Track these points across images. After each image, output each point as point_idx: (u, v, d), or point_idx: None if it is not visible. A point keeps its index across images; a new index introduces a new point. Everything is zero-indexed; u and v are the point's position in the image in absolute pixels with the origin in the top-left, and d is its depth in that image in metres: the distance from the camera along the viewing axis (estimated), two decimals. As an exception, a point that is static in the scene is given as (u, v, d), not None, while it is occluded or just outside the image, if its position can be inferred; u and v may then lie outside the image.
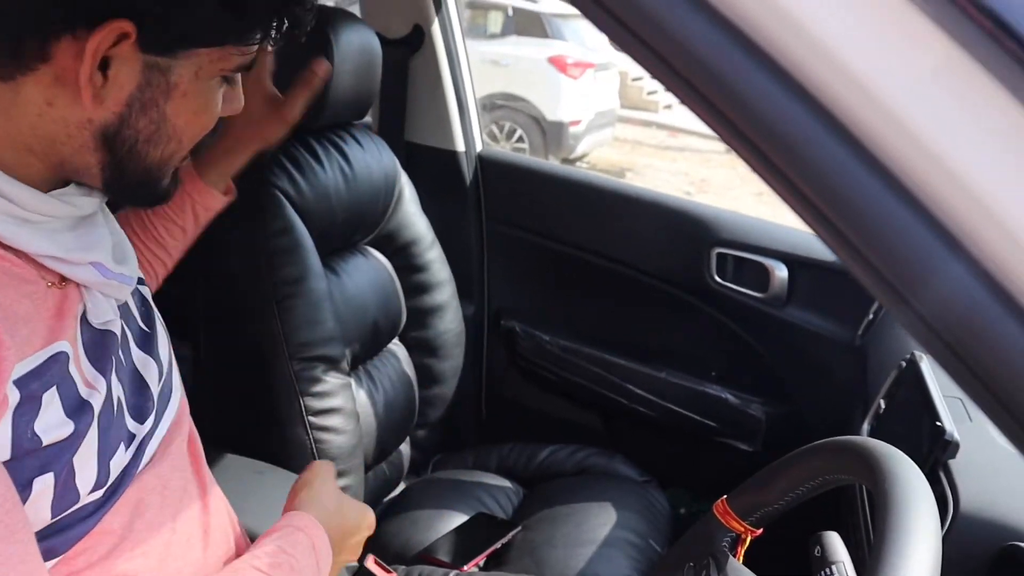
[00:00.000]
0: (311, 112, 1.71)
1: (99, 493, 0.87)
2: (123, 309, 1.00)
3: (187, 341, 1.71)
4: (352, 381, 1.80)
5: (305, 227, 1.67)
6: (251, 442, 1.60)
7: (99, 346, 0.90)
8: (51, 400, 0.81)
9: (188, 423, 1.12)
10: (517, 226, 2.30)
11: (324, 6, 1.78)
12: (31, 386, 0.79)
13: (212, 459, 1.41)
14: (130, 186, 0.90)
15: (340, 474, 1.67)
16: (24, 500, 0.78)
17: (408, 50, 2.21)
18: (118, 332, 0.95)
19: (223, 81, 0.91)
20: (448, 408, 2.14)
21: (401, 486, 2.09)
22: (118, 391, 0.93)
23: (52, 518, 0.82)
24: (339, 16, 1.77)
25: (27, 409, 0.78)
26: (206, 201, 1.36)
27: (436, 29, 2.19)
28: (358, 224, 1.89)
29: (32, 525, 0.79)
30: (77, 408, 0.84)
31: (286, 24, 0.91)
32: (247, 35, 0.87)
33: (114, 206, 1.11)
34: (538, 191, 2.28)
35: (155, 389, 1.00)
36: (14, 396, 0.77)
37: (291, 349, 1.62)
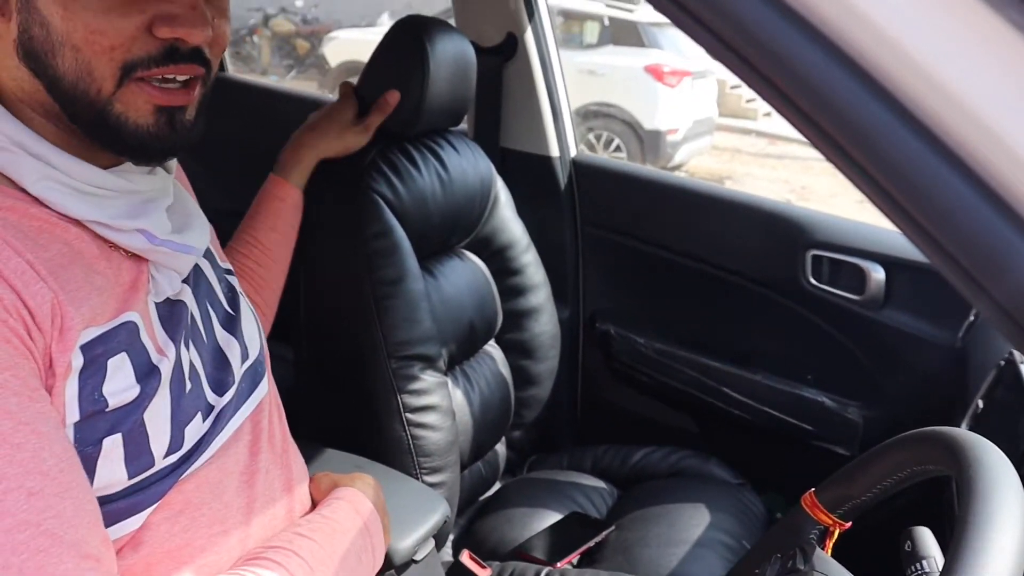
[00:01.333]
0: (408, 119, 1.77)
1: (174, 457, 0.90)
2: (206, 290, 1.05)
3: (288, 343, 1.77)
4: (449, 380, 1.83)
5: (403, 230, 1.71)
6: (350, 438, 1.64)
7: (171, 317, 0.94)
8: (120, 365, 0.84)
9: (277, 412, 1.15)
10: (611, 229, 2.31)
11: (419, 16, 1.83)
12: (96, 351, 0.82)
13: (312, 454, 1.46)
14: (87, 119, 0.86)
15: (436, 470, 1.71)
16: (96, 458, 0.82)
17: (502, 58, 2.25)
18: (190, 304, 0.99)
19: None
20: (544, 409, 2.16)
21: (497, 485, 2.12)
22: (195, 361, 0.97)
23: (129, 478, 0.85)
24: (434, 25, 1.81)
25: (93, 372, 0.82)
26: (281, 191, 1.53)
27: (529, 36, 2.23)
28: (454, 227, 1.92)
29: (111, 484, 0.84)
30: (147, 373, 0.87)
31: None
32: None
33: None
34: (632, 195, 2.29)
35: (237, 366, 1.04)
36: (78, 361, 0.81)
37: (389, 348, 1.67)
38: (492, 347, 2.06)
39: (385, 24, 9.75)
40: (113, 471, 0.84)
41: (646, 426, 2.34)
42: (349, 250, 1.66)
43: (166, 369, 0.90)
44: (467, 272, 1.97)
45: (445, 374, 1.81)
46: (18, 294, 0.77)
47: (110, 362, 0.84)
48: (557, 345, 2.17)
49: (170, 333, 0.93)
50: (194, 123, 0.92)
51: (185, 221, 0.99)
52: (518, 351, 2.10)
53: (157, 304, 0.93)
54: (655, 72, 8.54)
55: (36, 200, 0.85)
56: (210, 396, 0.98)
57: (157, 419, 0.88)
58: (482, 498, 2.07)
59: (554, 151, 2.32)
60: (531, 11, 2.21)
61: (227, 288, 1.11)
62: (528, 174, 2.32)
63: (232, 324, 1.07)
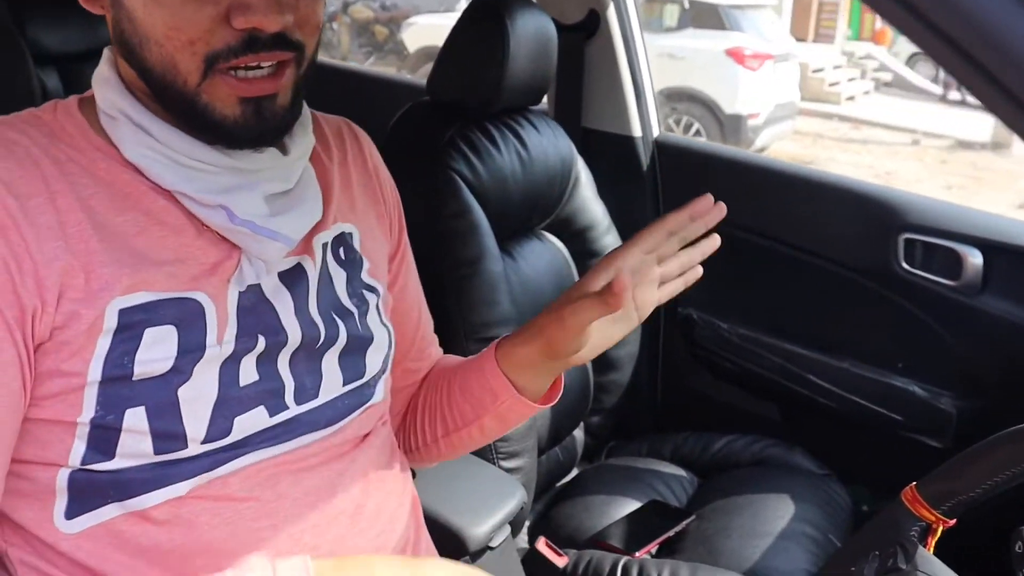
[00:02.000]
0: (487, 98, 1.73)
1: (215, 445, 0.88)
2: (337, 308, 1.00)
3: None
4: (527, 364, 1.80)
5: (482, 210, 1.68)
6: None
7: (253, 309, 0.92)
8: (161, 337, 0.84)
9: (377, 424, 1.08)
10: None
11: (501, -7, 1.79)
12: (135, 317, 0.83)
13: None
14: (177, 108, 0.87)
15: (513, 455, 1.67)
16: (119, 428, 0.82)
17: (584, 35, 2.20)
18: (277, 303, 0.95)
19: None
20: (623, 395, 2.12)
21: (574, 472, 2.09)
22: (281, 362, 0.94)
23: (155, 455, 0.84)
24: (513, 2, 1.77)
25: (127, 337, 0.82)
26: (498, 385, 1.12)
27: (612, 13, 2.18)
28: (534, 208, 1.89)
29: (136, 456, 0.84)
30: (190, 351, 0.86)
31: None
32: None
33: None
34: (716, 176, 2.23)
35: (337, 383, 1.00)
36: (111, 322, 0.82)
37: (467, 329, 1.64)
38: (571, 331, 2.02)
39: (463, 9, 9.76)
40: (137, 445, 0.83)
41: (728, 413, 2.29)
42: (426, 229, 1.63)
43: (217, 354, 0.88)
44: (547, 254, 1.94)
45: (523, 357, 1.77)
46: (25, 244, 0.79)
47: (149, 331, 0.84)
48: (638, 329, 2.11)
49: (244, 324, 0.91)
50: (288, 108, 0.90)
51: (287, 208, 0.95)
52: (598, 335, 2.06)
53: (241, 293, 0.91)
54: (736, 55, 8.44)
55: (134, 167, 0.87)
56: (288, 398, 0.94)
57: (196, 402, 0.86)
58: (559, 484, 2.04)
59: (636, 131, 2.27)
60: (614, -13, 2.16)
61: (359, 302, 1.05)
62: (610, 154, 2.27)
63: (351, 343, 1.02)
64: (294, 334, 0.95)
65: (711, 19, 9.06)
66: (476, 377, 1.13)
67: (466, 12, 1.78)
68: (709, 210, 1.03)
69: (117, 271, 0.83)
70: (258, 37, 0.83)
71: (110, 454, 0.83)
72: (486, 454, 1.65)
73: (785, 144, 9.36)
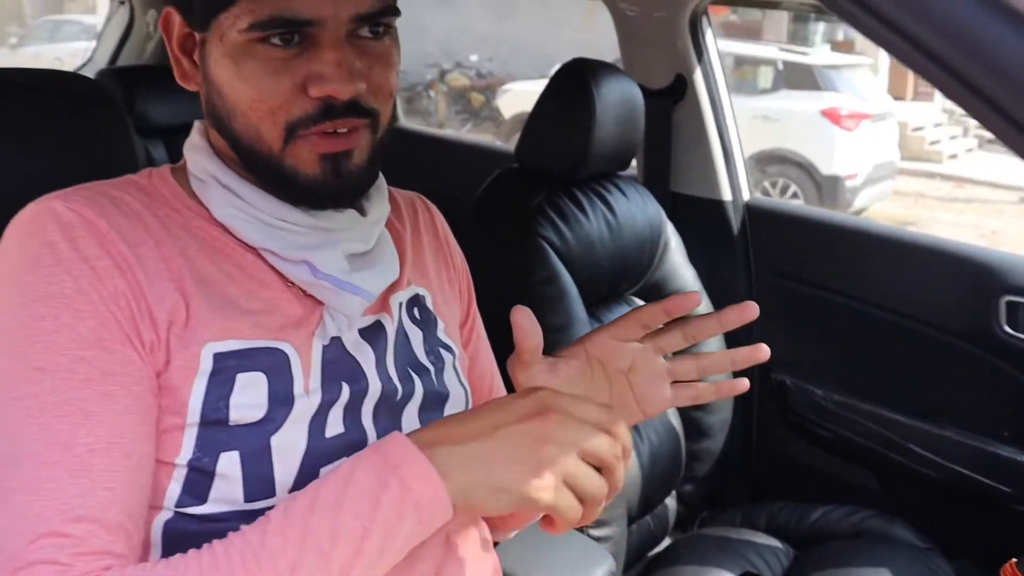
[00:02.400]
0: (575, 164, 1.74)
1: None
2: (402, 354, 1.02)
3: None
4: (616, 431, 1.78)
5: (570, 276, 1.68)
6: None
7: (336, 361, 0.94)
8: (253, 382, 0.87)
9: None
10: (788, 276, 2.22)
11: (585, 59, 1.81)
12: (228, 361, 0.86)
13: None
14: (264, 172, 0.92)
15: (601, 523, 1.65)
16: (212, 471, 0.84)
17: (671, 100, 2.20)
18: (360, 357, 0.97)
19: (256, 46, 0.86)
20: (716, 463, 2.08)
21: (666, 541, 2.05)
22: (365, 415, 0.96)
23: (245, 502, 0.85)
24: (600, 68, 1.79)
25: (222, 380, 0.85)
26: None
27: (698, 77, 2.18)
28: (623, 274, 1.88)
29: (227, 502, 0.85)
30: (281, 400, 0.88)
31: None
32: None
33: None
34: (809, 239, 2.20)
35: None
36: (207, 364, 0.85)
37: (554, 397, 1.63)
38: (662, 397, 1.99)
39: (556, 75, 9.86)
40: (230, 490, 0.85)
41: (825, 483, 2.22)
42: (514, 296, 1.63)
43: (305, 405, 0.90)
44: (636, 320, 1.92)
45: (612, 424, 1.76)
46: (140, 285, 0.84)
47: (241, 376, 0.87)
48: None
49: (328, 373, 0.93)
50: (363, 168, 0.94)
51: (367, 266, 0.98)
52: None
53: (325, 347, 0.94)
54: (832, 116, 8.35)
55: (223, 227, 0.93)
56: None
57: (286, 451, 0.88)
58: (650, 554, 2.00)
59: (726, 195, 2.25)
60: (700, 52, 2.17)
61: (435, 359, 1.06)
62: (700, 219, 2.26)
63: (428, 399, 1.03)
64: (375, 385, 0.97)
65: (806, 80, 9.00)
66: None
67: (553, 79, 1.80)
68: (688, 308, 1.02)
69: (211, 315, 0.87)
70: (333, 105, 0.88)
71: (203, 498, 0.85)
72: (574, 522, 1.62)
73: (885, 205, 9.19)
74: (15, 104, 1.14)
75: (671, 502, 2.05)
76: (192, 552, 0.79)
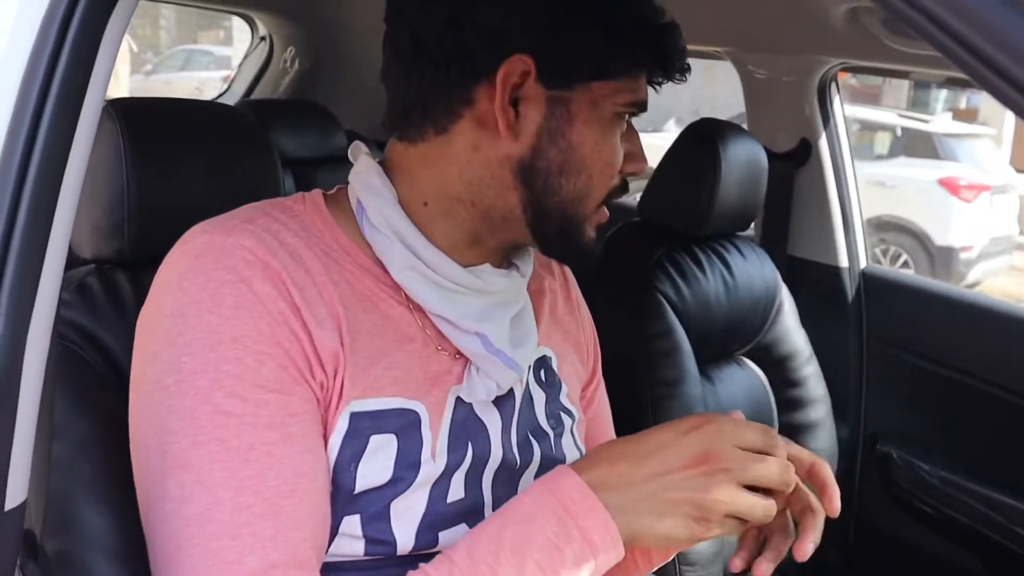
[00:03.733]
0: (697, 222, 1.76)
1: (421, 552, 0.90)
2: (525, 418, 1.03)
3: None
4: (719, 490, 1.78)
5: (685, 332, 1.69)
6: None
7: (465, 423, 0.95)
8: (383, 445, 0.88)
9: None
10: (900, 346, 2.20)
11: (713, 119, 1.84)
12: (363, 422, 0.87)
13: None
14: (552, 231, 0.95)
15: (697, 584, 1.65)
16: (334, 533, 0.86)
17: (794, 163, 2.21)
18: (487, 421, 0.97)
19: (619, 119, 0.94)
20: (815, 532, 2.05)
21: (759, 608, 2.02)
22: (486, 477, 0.96)
23: (364, 555, 0.87)
24: (727, 128, 1.81)
25: (355, 441, 0.86)
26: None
27: (823, 143, 2.19)
28: (736, 333, 1.89)
29: (347, 555, 0.87)
30: (408, 465, 0.89)
31: (663, 55, 0.95)
32: (630, 65, 0.93)
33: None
34: (925, 311, 2.17)
35: None
36: (343, 423, 0.86)
37: (662, 451, 1.64)
38: (766, 461, 1.99)
39: (671, 130, 9.84)
40: (351, 546, 0.87)
41: (926, 562, 2.17)
42: (629, 348, 1.66)
43: (431, 470, 0.91)
44: (745, 380, 1.93)
45: (716, 483, 1.76)
46: (309, 330, 0.85)
47: (374, 438, 0.88)
48: (834, 464, 2.07)
49: (455, 437, 0.94)
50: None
51: (524, 335, 1.01)
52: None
53: (456, 408, 0.95)
54: (950, 185, 8.15)
55: (381, 275, 0.93)
56: (487, 514, 0.96)
57: (406, 513, 0.89)
58: (744, 617, 1.98)
59: (843, 261, 2.24)
60: (826, 118, 2.17)
61: (555, 424, 1.08)
62: (814, 283, 2.26)
63: (545, 464, 1.03)
64: (496, 453, 0.97)
65: (924, 148, 8.81)
66: None
67: (681, 137, 1.82)
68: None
69: (356, 373, 0.87)
70: (627, 182, 0.99)
71: (324, 548, 0.86)
72: (671, 577, 1.64)
73: (999, 280, 8.92)
74: (173, 131, 1.18)
75: (768, 567, 2.03)
76: None
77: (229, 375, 0.81)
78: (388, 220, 0.93)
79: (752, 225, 2.04)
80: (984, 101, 14.25)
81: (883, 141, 9.28)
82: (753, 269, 1.92)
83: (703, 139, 1.79)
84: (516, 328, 1.00)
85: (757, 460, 0.85)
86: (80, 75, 0.77)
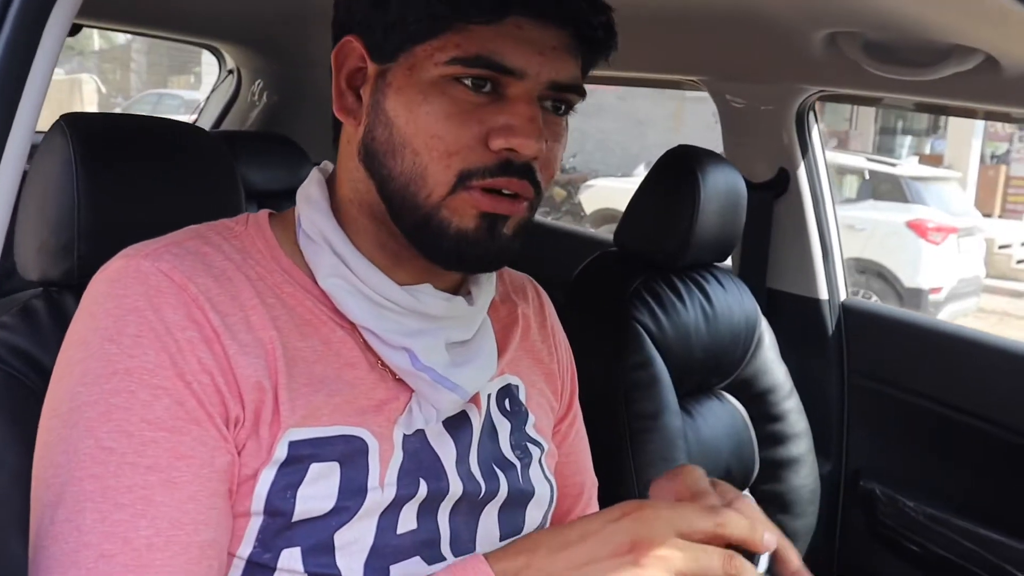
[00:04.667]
0: (675, 251, 1.71)
1: None
2: (487, 452, 0.97)
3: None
4: (701, 528, 1.72)
5: (664, 363, 1.64)
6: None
7: (417, 454, 0.90)
8: (325, 473, 0.82)
9: None
10: (882, 379, 2.15)
11: (691, 146, 1.80)
12: (303, 451, 0.81)
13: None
14: (410, 226, 0.87)
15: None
16: (273, 567, 0.80)
17: (772, 194, 2.18)
18: (441, 451, 0.92)
19: (448, 83, 0.84)
20: (798, 571, 1.99)
21: (743, 650, 1.96)
22: (441, 514, 0.91)
23: None
24: (706, 156, 1.77)
25: (293, 470, 0.80)
26: None
27: (802, 173, 2.15)
28: (716, 366, 1.84)
29: None
30: (353, 493, 0.83)
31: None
32: (450, 12, 0.82)
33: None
34: (907, 343, 2.13)
35: (491, 540, 0.96)
36: (281, 452, 0.80)
37: (640, 487, 1.58)
38: (747, 497, 1.93)
39: (641, 175, 9.90)
40: None
41: (915, 602, 2.12)
42: (607, 379, 1.60)
43: (378, 499, 0.85)
44: (725, 414, 1.88)
45: (698, 520, 1.70)
46: (227, 358, 0.79)
47: (315, 466, 0.82)
48: (816, 501, 2.02)
49: (407, 470, 0.88)
50: (511, 239, 0.89)
51: (467, 360, 0.93)
52: (774, 504, 1.96)
53: (406, 436, 0.89)
54: (918, 228, 8.24)
55: (322, 297, 0.88)
56: (444, 548, 0.91)
57: (353, 545, 0.83)
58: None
59: (823, 294, 2.20)
60: (805, 147, 2.14)
61: (522, 454, 1.02)
62: (794, 316, 2.22)
63: (512, 497, 0.98)
64: (455, 486, 0.92)
65: (892, 191, 8.91)
66: None
67: (658, 164, 1.78)
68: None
69: (294, 400, 0.82)
70: (512, 162, 0.84)
71: None
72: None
73: (968, 321, 8.97)
74: (129, 147, 1.15)
75: (749, 609, 1.96)
76: None
77: (118, 408, 0.76)
78: (318, 227, 0.89)
79: (729, 257, 2.00)
80: (949, 144, 14.47)
81: (851, 184, 9.39)
82: (733, 300, 1.87)
83: (682, 166, 1.75)
84: (457, 353, 0.93)
85: (697, 550, 0.75)
86: (16, 70, 0.72)
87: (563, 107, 0.90)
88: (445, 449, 0.92)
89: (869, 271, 8.28)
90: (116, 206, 1.08)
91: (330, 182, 0.94)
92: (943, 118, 14.95)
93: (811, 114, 2.17)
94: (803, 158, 2.15)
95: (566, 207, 12.66)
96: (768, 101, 2.14)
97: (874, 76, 1.62)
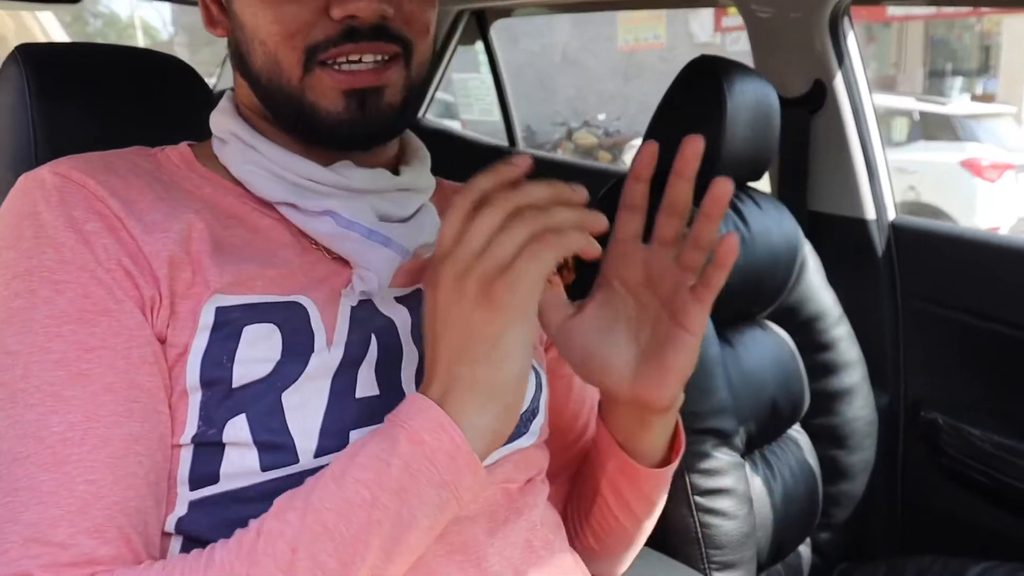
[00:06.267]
0: (703, 168, 1.59)
1: (327, 459, 0.79)
2: None
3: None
4: (747, 464, 1.61)
5: (695, 286, 1.53)
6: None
7: (368, 320, 0.87)
8: (262, 335, 0.79)
9: (536, 488, 0.96)
10: (939, 302, 2.01)
11: (717, 56, 1.67)
12: (232, 314, 0.79)
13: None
14: (287, 118, 0.88)
15: (727, 566, 1.48)
16: (221, 442, 0.77)
17: (809, 109, 2.04)
18: (395, 316, 0.89)
19: None
20: (856, 509, 1.88)
21: (800, 594, 1.85)
22: (402, 383, 0.87)
23: (263, 471, 0.77)
24: (733, 67, 1.65)
25: (225, 335, 0.78)
26: (600, 443, 1.01)
27: (839, 84, 2.01)
28: (756, 293, 1.72)
29: (243, 475, 0.77)
30: (297, 353, 0.81)
31: None
32: None
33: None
34: (965, 262, 1.98)
35: None
36: (208, 318, 0.78)
37: (680, 417, 1.47)
38: (798, 432, 1.81)
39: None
40: (242, 460, 0.77)
41: (982, 536, 1.99)
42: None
43: (325, 359, 0.82)
44: (770, 344, 1.76)
45: (743, 456, 1.58)
46: (135, 240, 0.78)
47: (249, 328, 0.79)
48: (874, 434, 1.89)
49: (354, 330, 0.85)
50: (396, 109, 0.88)
51: (400, 217, 0.92)
52: (828, 439, 1.84)
53: (353, 307, 0.87)
54: (973, 167, 8.04)
55: (245, 195, 0.88)
56: None
57: (302, 409, 0.79)
58: (782, 607, 1.80)
59: (870, 213, 2.06)
60: (840, 56, 1.99)
61: None
62: (840, 239, 2.08)
63: None
64: (410, 350, 0.88)
65: (943, 131, 8.69)
66: (593, 442, 1.04)
67: (679, 77, 1.66)
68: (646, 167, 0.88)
69: (220, 269, 0.80)
70: (357, 28, 0.83)
71: (215, 477, 0.77)
72: (696, 562, 1.47)
73: (1030, 260, 8.76)
74: (89, 75, 1.13)
75: (805, 550, 1.85)
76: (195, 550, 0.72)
77: (19, 310, 0.75)
78: (226, 127, 0.90)
79: (766, 181, 1.87)
80: (1002, 83, 14.09)
81: (901, 127, 9.17)
82: (771, 222, 1.75)
83: (707, 77, 1.63)
84: (391, 220, 0.90)
85: (506, 240, 0.71)
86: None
87: None
88: (399, 317, 0.89)
89: (924, 215, 8.07)
90: (78, 137, 1.04)
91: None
92: (993, 57, 14.58)
93: (846, 19, 2.01)
94: (839, 68, 2.00)
95: (612, 169, 12.60)
96: (796, 7, 1.99)
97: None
